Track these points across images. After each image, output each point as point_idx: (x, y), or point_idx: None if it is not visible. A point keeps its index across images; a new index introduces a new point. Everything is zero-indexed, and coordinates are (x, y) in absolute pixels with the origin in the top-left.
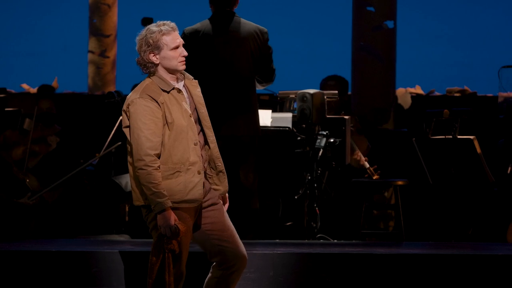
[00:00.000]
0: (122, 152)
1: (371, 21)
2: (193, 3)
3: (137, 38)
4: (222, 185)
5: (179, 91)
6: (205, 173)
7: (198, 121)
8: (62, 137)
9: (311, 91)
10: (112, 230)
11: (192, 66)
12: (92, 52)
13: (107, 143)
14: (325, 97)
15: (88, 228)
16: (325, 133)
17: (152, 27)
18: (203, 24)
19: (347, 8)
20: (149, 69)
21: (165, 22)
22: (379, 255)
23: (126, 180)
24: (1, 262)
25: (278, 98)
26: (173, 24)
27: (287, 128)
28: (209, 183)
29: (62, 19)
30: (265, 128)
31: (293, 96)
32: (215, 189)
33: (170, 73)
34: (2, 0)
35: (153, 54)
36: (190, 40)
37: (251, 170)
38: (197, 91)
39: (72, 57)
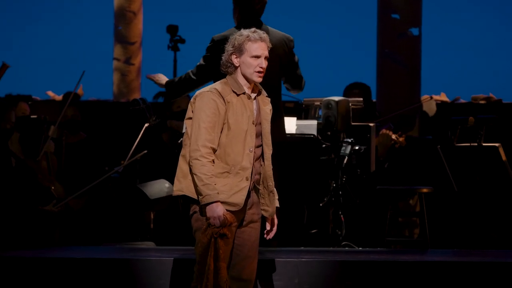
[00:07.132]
0: (147, 159)
1: (396, 28)
2: (218, 11)
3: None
4: (271, 206)
5: (249, 97)
6: (257, 189)
7: (260, 135)
8: (87, 145)
9: (336, 98)
10: (137, 238)
11: (220, 72)
12: (117, 59)
13: (132, 150)
14: (350, 104)
15: (113, 236)
16: (350, 141)
17: (244, 31)
18: (230, 31)
19: (372, 15)
20: (227, 69)
21: (257, 30)
22: (404, 263)
23: (151, 188)
24: (26, 269)
25: (303, 106)
26: (264, 36)
27: (312, 136)
28: (260, 202)
29: (87, 26)
30: (290, 135)
31: (318, 103)
32: (265, 210)
33: (246, 80)
34: (29, 8)
35: (235, 56)
36: (219, 46)
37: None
38: (266, 107)
39: (97, 64)
